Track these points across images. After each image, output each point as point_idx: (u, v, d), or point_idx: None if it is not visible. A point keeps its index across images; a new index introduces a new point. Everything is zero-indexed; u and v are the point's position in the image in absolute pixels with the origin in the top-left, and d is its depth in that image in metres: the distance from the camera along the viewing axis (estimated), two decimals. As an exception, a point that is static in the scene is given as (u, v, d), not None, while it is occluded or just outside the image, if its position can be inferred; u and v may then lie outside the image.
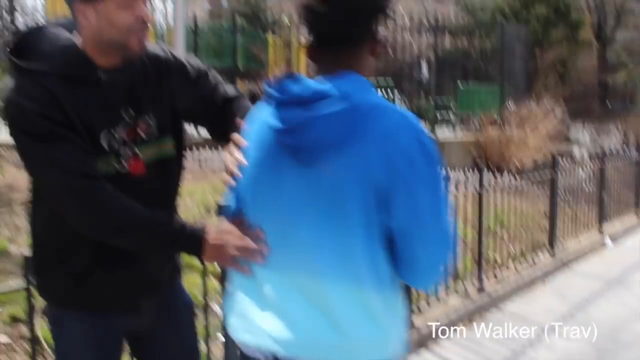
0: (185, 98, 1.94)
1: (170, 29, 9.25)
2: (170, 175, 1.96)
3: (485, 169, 10.93)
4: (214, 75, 2.03)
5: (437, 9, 30.74)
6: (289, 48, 16.04)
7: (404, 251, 1.47)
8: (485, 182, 5.43)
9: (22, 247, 4.85)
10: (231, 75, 14.01)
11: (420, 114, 15.12)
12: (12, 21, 9.53)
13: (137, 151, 1.81)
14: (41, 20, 9.21)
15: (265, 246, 1.55)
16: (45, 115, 1.65)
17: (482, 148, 11.53)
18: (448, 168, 10.75)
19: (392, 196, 1.41)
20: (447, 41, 13.78)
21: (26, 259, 2.19)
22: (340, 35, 1.48)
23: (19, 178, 7.22)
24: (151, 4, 1.84)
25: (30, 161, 1.73)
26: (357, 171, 1.40)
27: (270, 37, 16.20)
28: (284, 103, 1.45)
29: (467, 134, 12.44)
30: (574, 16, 20.25)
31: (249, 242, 1.59)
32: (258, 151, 1.54)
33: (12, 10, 9.44)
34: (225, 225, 1.67)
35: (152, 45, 1.91)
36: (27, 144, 1.69)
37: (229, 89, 2.01)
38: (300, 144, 1.42)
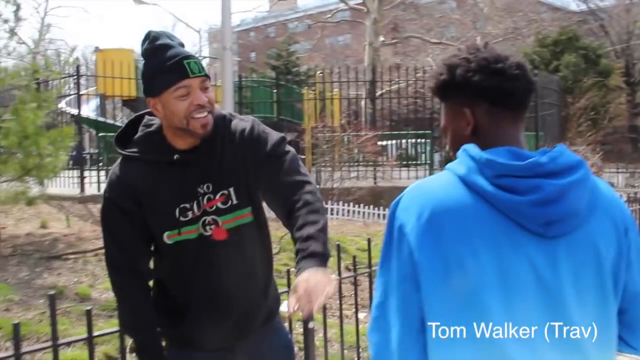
0: (254, 174, 2.06)
1: (219, 86, 9.80)
2: (251, 239, 2.12)
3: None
4: (291, 160, 2.06)
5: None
6: (323, 101, 16.61)
7: (632, 313, 1.49)
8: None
9: (103, 293, 5.26)
10: (274, 127, 14.55)
11: (452, 160, 15.43)
12: (78, 85, 10.18)
13: (219, 220, 2.04)
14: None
15: None
16: (115, 202, 2.04)
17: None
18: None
19: (625, 261, 1.45)
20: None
21: None
22: (528, 99, 1.52)
23: (84, 230, 7.72)
24: (209, 87, 2.00)
25: (103, 234, 2.17)
26: (602, 238, 1.41)
27: (305, 91, 16.78)
28: (545, 174, 1.36)
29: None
30: (603, 63, 20.56)
31: None
32: (482, 233, 1.35)
33: (78, 77, 10.10)
34: None
35: (246, 122, 2.11)
36: (101, 221, 2.14)
37: (298, 179, 2.01)
38: (556, 213, 1.35)
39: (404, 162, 12.68)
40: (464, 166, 1.38)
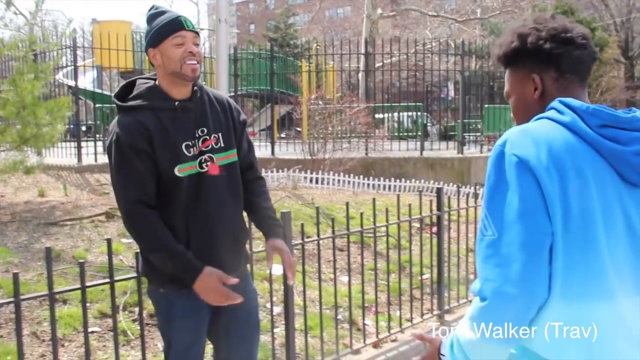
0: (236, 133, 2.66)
1: (213, 59, 9.94)
2: (236, 175, 2.61)
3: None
4: (250, 142, 2.76)
5: (463, 32, 31.31)
6: (320, 73, 16.70)
7: None
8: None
9: (98, 256, 5.52)
10: (268, 99, 14.73)
11: (448, 134, 15.71)
12: (75, 56, 10.33)
13: (213, 157, 2.50)
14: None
15: (237, 297, 2.39)
16: (130, 144, 2.36)
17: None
18: (477, 183, 11.30)
19: None
20: (473, 64, 14.28)
21: (137, 254, 2.85)
22: (592, 66, 1.66)
23: (81, 198, 7.96)
24: (198, 44, 2.50)
25: (112, 180, 2.48)
26: None
27: (303, 63, 16.88)
28: (629, 128, 1.50)
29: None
30: (597, 36, 20.64)
31: (223, 294, 2.37)
32: (594, 174, 1.46)
33: (75, 49, 10.24)
34: (212, 278, 2.37)
35: (221, 93, 2.70)
36: (112, 168, 2.45)
37: (253, 158, 2.75)
38: None
39: (396, 134, 12.89)
40: (567, 115, 1.49)
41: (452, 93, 21.61)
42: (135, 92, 2.48)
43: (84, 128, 15.72)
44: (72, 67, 11.74)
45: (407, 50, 15.22)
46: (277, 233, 2.66)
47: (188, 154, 2.43)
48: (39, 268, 5.07)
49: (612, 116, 1.48)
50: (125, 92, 2.52)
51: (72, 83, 12.76)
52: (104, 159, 10.72)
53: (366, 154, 11.38)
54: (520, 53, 1.61)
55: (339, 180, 9.70)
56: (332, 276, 5.38)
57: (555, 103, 1.54)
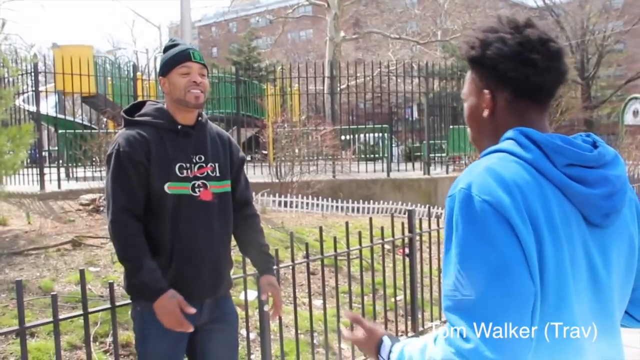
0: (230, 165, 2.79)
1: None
2: (228, 204, 2.74)
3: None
4: (246, 179, 2.92)
5: (424, 54, 31.81)
6: (284, 96, 16.73)
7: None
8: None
9: (66, 286, 5.38)
10: (234, 122, 14.67)
11: (413, 155, 15.87)
12: (36, 82, 10.15)
13: (207, 184, 2.63)
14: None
15: (189, 327, 2.46)
16: (129, 155, 2.49)
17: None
18: (442, 204, 11.41)
19: None
20: (436, 85, 14.48)
21: (110, 285, 2.82)
22: (557, 90, 1.48)
23: (45, 226, 7.78)
24: (205, 74, 2.67)
25: (106, 187, 2.56)
26: (631, 222, 1.47)
27: (267, 86, 16.92)
28: (605, 165, 1.39)
29: (460, 172, 13.09)
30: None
31: (178, 320, 2.45)
32: (559, 227, 1.32)
33: (36, 74, 10.07)
34: (172, 302, 2.45)
35: (224, 131, 2.88)
36: (108, 176, 2.54)
37: (250, 195, 2.94)
38: (616, 205, 1.38)
39: (362, 156, 12.95)
40: (531, 152, 1.34)
41: (415, 114, 21.90)
42: (143, 110, 2.67)
43: (44, 154, 15.41)
44: (33, 92, 11.55)
45: (372, 72, 15.39)
46: (272, 270, 2.86)
47: (180, 175, 2.56)
48: (3, 300, 4.92)
49: (578, 155, 1.35)
50: (133, 110, 2.70)
51: (32, 109, 12.53)
52: (67, 185, 10.52)
53: (333, 176, 11.40)
54: (477, 63, 1.44)
55: (307, 204, 9.68)
56: (305, 300, 5.35)
57: (514, 133, 1.38)
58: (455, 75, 15.90)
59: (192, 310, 2.47)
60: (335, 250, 4.38)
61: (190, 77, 2.58)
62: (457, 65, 17.34)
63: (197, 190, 2.59)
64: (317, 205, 9.78)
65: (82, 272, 2.86)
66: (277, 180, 9.94)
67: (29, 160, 11.50)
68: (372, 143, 14.50)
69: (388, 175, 12.05)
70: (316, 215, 9.04)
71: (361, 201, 10.34)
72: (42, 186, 9.90)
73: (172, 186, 2.54)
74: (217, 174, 2.67)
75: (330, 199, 10.05)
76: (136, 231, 2.50)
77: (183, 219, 2.55)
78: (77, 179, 11.54)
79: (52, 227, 7.74)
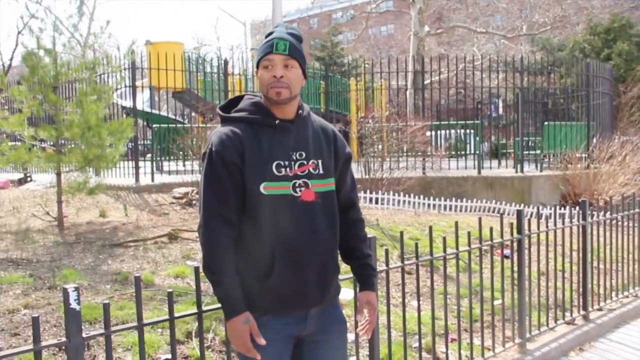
0: (334, 162, 2.56)
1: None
2: (333, 204, 2.50)
3: (574, 204, 11.12)
4: (353, 178, 2.69)
5: (509, 49, 30.84)
6: (369, 91, 16.57)
7: None
8: (587, 216, 5.66)
9: (165, 279, 5.43)
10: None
11: (499, 152, 15.35)
12: (133, 77, 10.39)
13: (309, 182, 2.41)
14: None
15: (256, 355, 2.29)
16: (222, 155, 2.32)
17: (569, 184, 11.63)
18: (537, 204, 10.96)
19: None
20: (525, 80, 13.92)
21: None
22: None
23: (141, 219, 7.94)
24: (290, 65, 2.42)
25: (200, 188, 2.40)
26: None
27: (352, 81, 16.78)
28: None
29: (554, 170, 12.57)
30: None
31: (246, 347, 2.31)
32: None
33: (133, 70, 10.31)
34: (244, 328, 2.31)
35: (328, 124, 2.65)
36: (202, 177, 2.39)
37: (355, 197, 2.69)
38: None
39: (453, 153, 12.61)
40: None
41: (500, 110, 21.24)
42: (240, 106, 2.50)
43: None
44: (128, 87, 11.86)
45: (456, 67, 14.99)
46: (374, 285, 2.63)
47: (277, 174, 2.36)
48: (109, 291, 5.01)
49: None
50: (230, 106, 2.55)
51: (127, 104, 12.90)
52: (160, 178, 10.75)
53: (423, 172, 11.15)
54: None
55: (398, 201, 9.49)
56: (400, 301, 5.20)
57: None
58: (545, 69, 15.24)
59: (262, 342, 2.31)
60: (445, 252, 4.19)
61: (272, 71, 2.38)
62: (547, 59, 16.63)
63: (298, 190, 2.39)
64: (409, 202, 9.57)
65: (196, 270, 2.80)
66: (366, 177, 9.79)
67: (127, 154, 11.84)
68: (462, 139, 14.11)
69: (479, 172, 11.68)
70: (408, 213, 8.84)
71: (453, 199, 10.05)
72: (137, 179, 10.15)
73: (269, 186, 2.34)
74: (320, 172, 2.45)
75: (421, 196, 9.81)
76: (224, 241, 2.33)
77: (284, 221, 2.35)
78: (169, 172, 11.78)
79: (148, 219, 7.89)
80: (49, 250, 6.23)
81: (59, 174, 7.46)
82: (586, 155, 12.52)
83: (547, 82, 16.04)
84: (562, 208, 10.74)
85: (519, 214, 4.93)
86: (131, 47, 8.81)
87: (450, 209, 9.83)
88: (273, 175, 2.36)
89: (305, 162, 2.42)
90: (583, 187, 11.39)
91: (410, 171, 10.75)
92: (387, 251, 3.71)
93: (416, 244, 3.94)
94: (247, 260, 2.38)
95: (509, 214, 10.08)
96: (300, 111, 2.49)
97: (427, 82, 19.64)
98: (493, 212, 10.11)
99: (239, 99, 2.57)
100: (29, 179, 12.20)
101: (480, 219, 4.60)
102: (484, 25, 32.68)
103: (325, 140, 2.54)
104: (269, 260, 2.35)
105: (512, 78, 13.85)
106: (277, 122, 2.42)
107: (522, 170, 12.04)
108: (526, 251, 5.02)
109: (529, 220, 5.08)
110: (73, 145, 7.53)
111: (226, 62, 12.64)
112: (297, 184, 2.39)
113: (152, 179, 10.23)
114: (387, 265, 3.70)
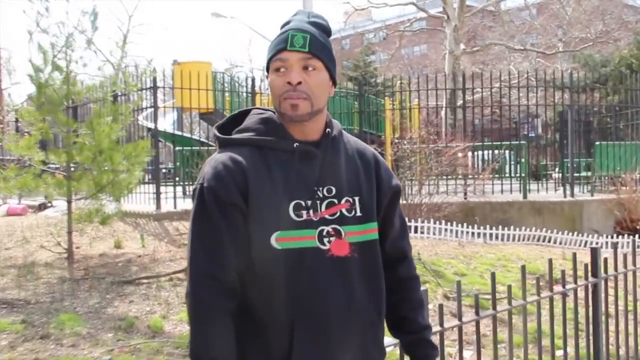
0: (377, 200, 1.85)
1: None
2: (375, 260, 1.80)
3: (630, 231, 10.18)
4: (403, 219, 1.96)
5: (546, 67, 29.88)
6: (404, 112, 15.83)
7: None
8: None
9: (177, 325, 4.74)
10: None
11: (540, 174, 14.40)
12: (155, 97, 9.88)
13: (341, 230, 1.72)
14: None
15: None
16: (217, 194, 1.65)
17: (624, 208, 10.68)
18: (589, 231, 10.05)
19: None
20: (574, 97, 13.03)
21: None
22: None
23: (159, 250, 7.28)
24: (311, 66, 1.71)
25: (188, 238, 1.72)
26: None
27: (386, 101, 16.14)
28: None
29: (606, 193, 11.63)
30: None
31: None
32: None
33: (155, 89, 9.80)
34: None
35: (366, 145, 1.93)
36: (190, 221, 1.71)
37: (407, 246, 1.97)
38: None
39: (497, 176, 11.74)
40: None
41: (539, 129, 20.36)
42: (245, 123, 1.80)
43: (163, 171, 15.38)
44: (153, 108, 11.32)
45: (493, 84, 14.18)
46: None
47: (296, 218, 1.68)
48: (110, 341, 4.32)
49: None
50: (233, 124, 1.83)
51: (152, 125, 12.37)
52: (182, 205, 10.11)
53: (465, 197, 10.32)
54: None
55: (439, 230, 8.68)
56: (451, 350, 4.41)
57: None
58: (595, 86, 14.33)
59: None
60: (510, 304, 3.39)
61: (286, 75, 1.70)
62: (592, 76, 15.71)
63: (326, 241, 1.70)
64: (450, 231, 8.76)
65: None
66: (403, 202, 9.02)
67: (149, 177, 11.26)
68: (506, 161, 13.26)
69: (525, 197, 10.80)
70: (451, 244, 8.04)
71: (500, 227, 9.21)
72: (158, 206, 9.53)
73: (285, 237, 1.66)
74: (357, 214, 1.76)
75: (464, 224, 9.00)
76: (219, 317, 1.65)
77: (306, 285, 1.67)
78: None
79: (166, 251, 7.23)
80: (52, 288, 5.61)
81: (69, 202, 6.86)
82: (642, 177, 11.57)
83: (596, 99, 15.14)
84: (618, 236, 9.82)
85: (594, 252, 4.11)
86: (150, 64, 8.24)
87: (497, 237, 8.99)
88: (290, 221, 1.68)
89: (336, 200, 1.74)
90: (640, 212, 10.45)
91: (451, 196, 9.94)
92: (441, 307, 2.94)
93: (476, 297, 3.14)
94: (255, 342, 1.70)
95: (560, 243, 9.21)
96: (328, 130, 1.78)
97: (462, 101, 18.87)
98: (543, 240, 9.25)
99: (244, 114, 1.86)
100: (49, 204, 11.70)
101: (550, 262, 3.78)
102: (521, 43, 31.83)
103: (364, 169, 1.83)
104: (286, 342, 1.67)
105: (553, 96, 12.99)
106: (295, 145, 1.72)
107: (572, 194, 11.13)
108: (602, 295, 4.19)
109: (606, 260, 4.25)
110: (85, 171, 6.92)
111: (253, 80, 12.04)
112: (324, 233, 1.71)
113: (175, 205, 9.60)
114: (441, 324, 2.91)
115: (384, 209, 1.86)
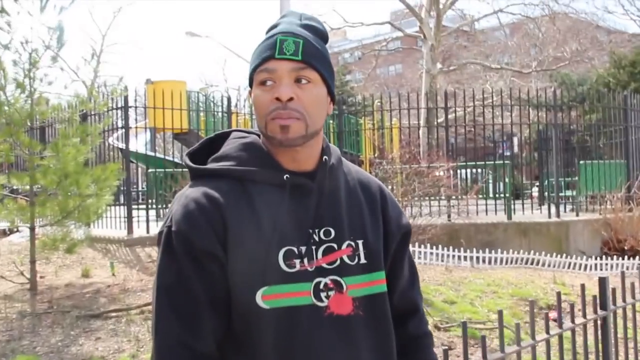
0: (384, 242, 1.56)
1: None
2: (382, 316, 1.50)
3: (617, 252, 9.95)
4: (411, 262, 1.67)
5: (521, 86, 30.04)
6: (381, 131, 15.61)
7: None
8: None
9: (147, 366, 4.32)
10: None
11: (521, 193, 14.18)
12: (126, 116, 9.47)
13: (342, 282, 1.42)
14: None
15: None
16: (187, 241, 1.34)
17: (611, 229, 10.46)
18: (576, 252, 9.80)
19: None
20: (558, 116, 12.90)
21: None
22: None
23: (130, 279, 6.84)
24: (305, 77, 1.40)
25: (153, 295, 1.39)
26: None
27: (364, 121, 15.94)
28: None
29: (592, 213, 11.43)
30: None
31: None
32: None
33: (126, 108, 9.39)
34: None
35: (370, 176, 1.64)
36: (156, 274, 1.39)
37: (419, 297, 1.67)
38: None
39: (482, 196, 11.47)
40: None
41: (515, 148, 20.32)
42: (222, 150, 1.48)
43: (134, 192, 14.88)
44: (121, 128, 10.89)
45: (482, 102, 14.03)
46: None
47: (287, 269, 1.38)
48: (71, 387, 3.90)
49: None
50: (208, 150, 1.52)
51: (123, 146, 11.92)
52: (155, 229, 9.65)
53: (448, 219, 10.02)
54: None
55: (424, 253, 8.36)
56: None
57: None
58: (579, 104, 14.21)
59: None
60: (519, 345, 3.04)
61: (273, 89, 1.40)
62: (568, 94, 15.61)
63: (323, 296, 1.41)
64: (436, 255, 8.44)
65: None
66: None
67: (121, 199, 10.78)
68: (487, 180, 13.05)
69: (509, 218, 10.54)
70: (438, 268, 7.71)
71: (486, 250, 8.91)
72: (130, 230, 9.08)
73: (273, 293, 1.36)
74: (362, 261, 1.47)
75: (450, 248, 8.68)
76: None
77: (300, 352, 1.37)
78: (167, 221, 10.70)
79: (137, 279, 6.79)
80: (10, 324, 5.15)
81: (32, 229, 6.41)
82: (627, 196, 11.38)
83: (573, 118, 15.04)
84: (607, 257, 9.59)
85: (602, 283, 3.79)
86: (120, 82, 7.86)
87: (483, 261, 8.69)
88: (280, 273, 1.37)
89: (335, 245, 1.44)
90: (628, 232, 10.23)
91: (435, 217, 9.63)
92: (446, 353, 2.58)
93: (483, 338, 2.79)
94: None
95: (549, 266, 8.93)
96: (325, 158, 1.48)
97: (440, 119, 18.74)
98: (531, 263, 8.97)
99: (222, 138, 1.54)
100: (15, 229, 11.15)
101: (559, 295, 3.45)
102: (496, 62, 32.02)
103: (369, 205, 1.53)
104: None
105: (528, 115, 12.80)
106: (285, 177, 1.43)
107: (557, 215, 10.90)
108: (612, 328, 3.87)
109: (614, 290, 3.93)
110: (49, 195, 6.48)
111: (229, 100, 11.69)
112: (322, 286, 1.41)
113: (148, 230, 9.15)
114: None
115: (391, 254, 1.56)
